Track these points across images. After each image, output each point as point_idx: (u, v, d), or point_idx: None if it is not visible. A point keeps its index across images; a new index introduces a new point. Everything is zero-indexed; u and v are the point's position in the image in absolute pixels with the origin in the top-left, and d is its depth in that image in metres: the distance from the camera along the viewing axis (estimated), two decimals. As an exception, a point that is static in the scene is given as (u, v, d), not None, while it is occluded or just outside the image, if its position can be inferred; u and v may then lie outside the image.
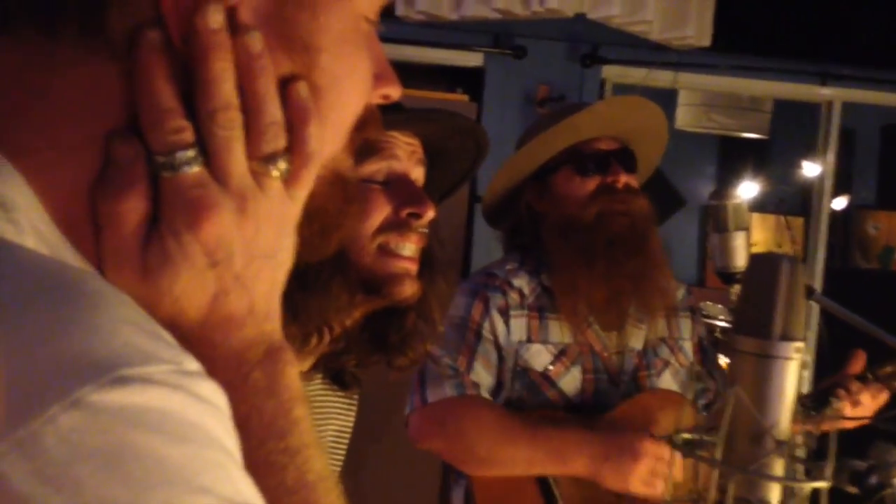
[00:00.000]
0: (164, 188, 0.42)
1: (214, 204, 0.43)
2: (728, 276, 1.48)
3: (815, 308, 3.31)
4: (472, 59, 2.93)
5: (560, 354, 1.53)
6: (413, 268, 0.95)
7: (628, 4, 2.41)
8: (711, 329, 3.25)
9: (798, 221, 4.43)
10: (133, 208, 0.42)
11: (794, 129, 4.03)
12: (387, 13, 2.31)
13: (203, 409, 0.35)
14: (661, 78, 2.94)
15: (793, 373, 0.87)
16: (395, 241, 0.94)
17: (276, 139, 0.45)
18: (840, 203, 4.11)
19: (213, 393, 0.37)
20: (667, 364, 1.62)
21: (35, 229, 0.39)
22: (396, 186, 0.95)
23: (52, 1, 0.41)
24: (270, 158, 0.44)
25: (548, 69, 2.91)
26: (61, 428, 0.31)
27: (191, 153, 0.42)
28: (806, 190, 3.64)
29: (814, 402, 1.39)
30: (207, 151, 0.43)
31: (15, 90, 0.42)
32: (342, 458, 1.09)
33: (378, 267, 0.93)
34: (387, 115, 0.90)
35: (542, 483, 1.49)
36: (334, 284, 0.89)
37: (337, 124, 0.48)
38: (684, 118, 3.91)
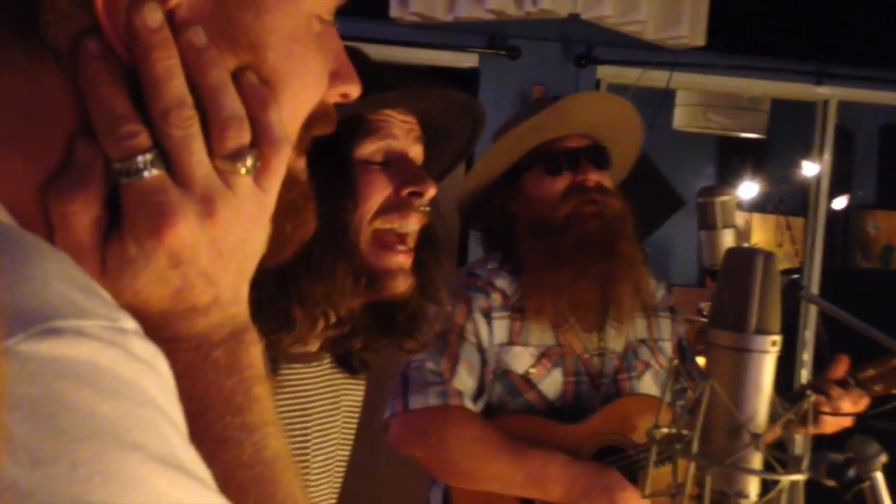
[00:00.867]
0: (124, 194, 0.42)
1: (176, 210, 0.42)
2: (716, 274, 1.48)
3: (814, 308, 3.31)
4: (467, 59, 2.93)
5: (541, 356, 1.52)
6: (407, 262, 0.94)
7: (621, 4, 2.41)
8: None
9: (798, 221, 4.43)
10: (84, 209, 0.41)
11: (792, 129, 4.03)
12: (380, 15, 2.31)
13: (138, 368, 0.34)
14: (657, 78, 2.93)
15: (769, 366, 0.87)
16: (396, 222, 0.93)
17: (240, 134, 0.44)
18: (840, 203, 4.11)
19: (151, 354, 0.36)
20: (647, 366, 1.61)
21: None
22: (396, 166, 0.95)
23: None
24: (236, 155, 0.44)
25: (542, 70, 2.91)
26: None
27: (148, 157, 0.41)
28: (806, 190, 3.63)
29: (790, 400, 1.38)
30: (167, 155, 0.42)
31: None
32: (353, 433, 1.09)
33: (373, 259, 0.92)
34: (380, 94, 0.91)
35: (526, 501, 1.47)
36: (339, 269, 0.89)
37: (286, 122, 0.47)
38: (682, 118, 3.91)
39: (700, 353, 1.84)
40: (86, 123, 0.42)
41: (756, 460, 0.88)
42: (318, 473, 1.01)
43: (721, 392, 0.84)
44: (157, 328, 0.43)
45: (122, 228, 0.42)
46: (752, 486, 0.89)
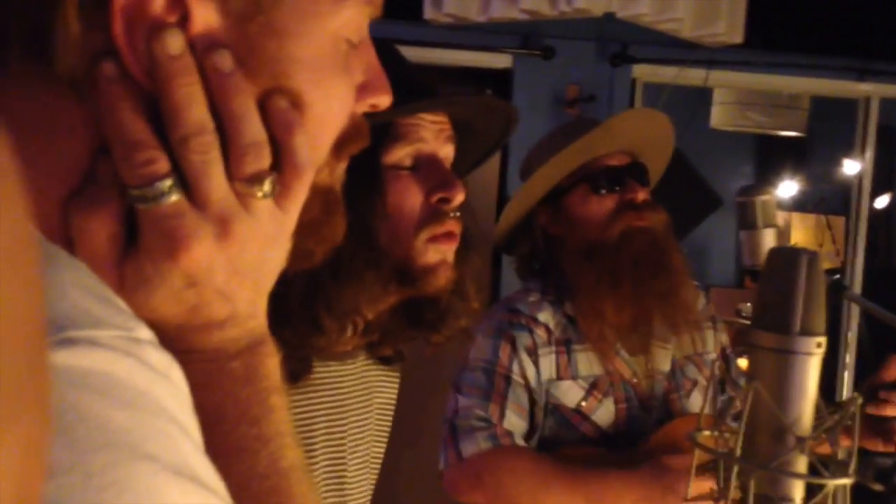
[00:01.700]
0: (140, 217, 0.42)
1: (193, 234, 0.42)
2: (756, 274, 1.46)
3: (856, 309, 3.24)
4: (501, 60, 2.93)
5: (591, 388, 1.50)
6: (451, 249, 0.94)
7: (658, 2, 2.39)
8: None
9: (839, 221, 4.34)
10: (103, 226, 0.42)
11: (833, 127, 3.95)
12: (414, 16, 2.32)
13: (152, 378, 0.34)
14: (693, 76, 2.90)
15: (814, 368, 0.85)
16: (437, 230, 0.94)
17: (259, 159, 0.44)
18: (882, 201, 4.02)
19: (166, 365, 0.36)
20: (695, 383, 1.59)
21: None
22: (425, 170, 0.95)
23: None
24: (254, 179, 0.43)
25: (577, 69, 2.89)
26: None
27: (167, 183, 0.41)
28: (846, 188, 3.56)
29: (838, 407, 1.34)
30: (185, 178, 0.42)
31: None
32: (387, 431, 1.10)
33: (422, 258, 0.93)
34: (412, 103, 0.91)
35: None
36: (367, 276, 0.89)
37: (312, 147, 0.47)
38: (719, 117, 3.86)
39: (738, 356, 1.81)
40: (105, 143, 0.42)
41: (801, 464, 0.86)
42: (355, 471, 1.01)
43: (765, 395, 0.83)
44: (174, 341, 0.43)
45: (139, 247, 0.42)
46: (797, 490, 0.88)
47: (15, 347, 0.22)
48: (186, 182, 0.42)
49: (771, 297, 0.86)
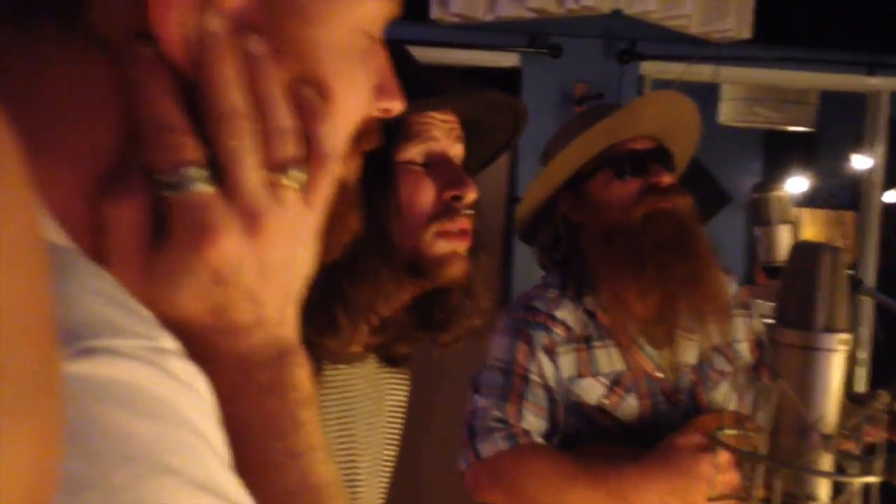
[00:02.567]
0: (169, 206, 0.41)
1: (221, 227, 0.41)
2: (773, 270, 1.45)
3: (870, 304, 3.23)
4: (508, 59, 2.92)
5: (613, 385, 1.47)
6: (463, 245, 0.95)
7: (665, -1, 2.38)
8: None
9: (849, 216, 4.33)
10: (132, 215, 0.40)
11: (842, 121, 3.93)
12: (421, 16, 2.31)
13: (176, 388, 0.33)
14: (702, 72, 2.89)
15: (838, 365, 0.84)
16: (449, 226, 0.94)
17: (286, 145, 0.43)
18: (892, 196, 4.00)
19: (192, 375, 0.35)
20: (723, 375, 1.54)
21: None
22: (437, 167, 0.95)
23: None
24: (285, 166, 0.42)
25: (585, 67, 2.88)
26: None
27: (197, 170, 0.40)
28: (856, 183, 3.54)
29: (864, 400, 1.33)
30: (217, 165, 0.41)
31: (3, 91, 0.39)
32: (399, 433, 1.10)
33: (431, 250, 0.93)
34: (423, 100, 0.91)
35: None
36: (382, 274, 0.90)
37: (336, 137, 0.46)
38: (727, 113, 3.85)
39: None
40: (134, 125, 0.41)
41: (826, 462, 0.86)
42: (366, 474, 1.01)
43: (790, 392, 0.82)
44: (199, 347, 0.42)
45: (167, 236, 0.41)
46: (823, 488, 0.87)
47: (26, 342, 0.22)
48: (217, 171, 0.41)
49: (794, 293, 0.86)
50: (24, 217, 0.22)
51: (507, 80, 2.93)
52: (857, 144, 3.47)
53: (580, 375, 1.46)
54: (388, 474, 1.07)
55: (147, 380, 0.32)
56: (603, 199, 1.48)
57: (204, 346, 0.43)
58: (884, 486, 0.85)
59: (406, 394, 1.10)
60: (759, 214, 1.46)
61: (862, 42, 2.99)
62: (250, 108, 0.42)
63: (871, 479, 0.84)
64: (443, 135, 0.96)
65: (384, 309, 0.93)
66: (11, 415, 0.21)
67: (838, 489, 0.86)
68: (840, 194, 4.32)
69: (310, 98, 0.44)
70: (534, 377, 1.45)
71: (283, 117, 0.43)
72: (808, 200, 4.35)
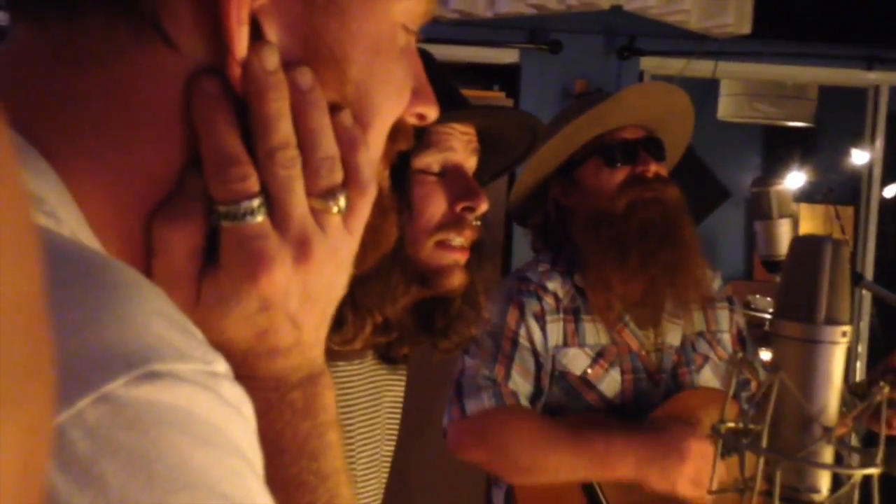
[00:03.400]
0: (224, 235, 0.42)
1: (274, 256, 0.42)
2: (773, 265, 1.46)
3: (868, 298, 3.23)
4: (508, 55, 2.92)
5: (598, 357, 1.51)
6: (463, 258, 0.96)
7: (665, -6, 2.38)
8: (760, 323, 3.19)
9: (848, 211, 4.33)
10: (186, 240, 0.41)
11: (841, 116, 3.93)
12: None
13: (228, 414, 0.34)
14: (701, 68, 2.89)
15: (839, 357, 0.85)
16: (452, 237, 0.96)
17: (332, 173, 0.43)
18: (891, 191, 4.01)
19: (240, 399, 0.36)
20: (706, 359, 1.58)
21: (71, 231, 0.38)
22: (451, 178, 0.97)
23: None
24: (329, 194, 0.43)
25: (584, 63, 2.88)
26: (88, 422, 0.30)
27: (255, 202, 0.41)
28: (855, 178, 3.55)
29: (855, 392, 1.33)
30: (268, 194, 0.42)
31: (39, 87, 0.40)
32: (396, 429, 1.11)
33: (431, 259, 0.94)
34: (448, 112, 0.93)
35: (588, 488, 1.46)
36: (394, 276, 0.91)
37: (371, 141, 0.47)
38: (726, 109, 3.84)
39: (759, 346, 1.79)
40: (196, 154, 0.41)
41: (827, 454, 0.86)
42: (363, 471, 1.02)
43: (791, 384, 0.82)
44: (237, 366, 0.43)
45: (219, 265, 0.42)
46: (823, 480, 0.87)
47: (15, 330, 0.22)
48: (269, 202, 0.42)
49: (795, 286, 0.86)
50: (11, 205, 0.22)
51: (506, 76, 2.93)
52: (857, 139, 3.47)
53: (566, 345, 1.50)
54: (385, 472, 1.07)
55: (204, 406, 0.33)
56: (592, 186, 1.53)
57: (243, 365, 0.43)
58: (884, 478, 0.85)
59: (402, 390, 1.12)
60: (759, 209, 1.47)
61: (861, 37, 2.99)
62: (298, 138, 0.43)
63: (872, 471, 0.84)
64: (461, 146, 0.97)
65: (390, 310, 0.94)
66: (1, 405, 0.21)
67: (838, 482, 0.87)
68: (839, 189, 4.32)
69: (347, 127, 0.44)
70: (523, 341, 1.48)
71: (330, 146, 0.43)
72: (807, 196, 4.36)
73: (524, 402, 1.46)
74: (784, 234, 1.44)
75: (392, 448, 1.09)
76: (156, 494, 0.30)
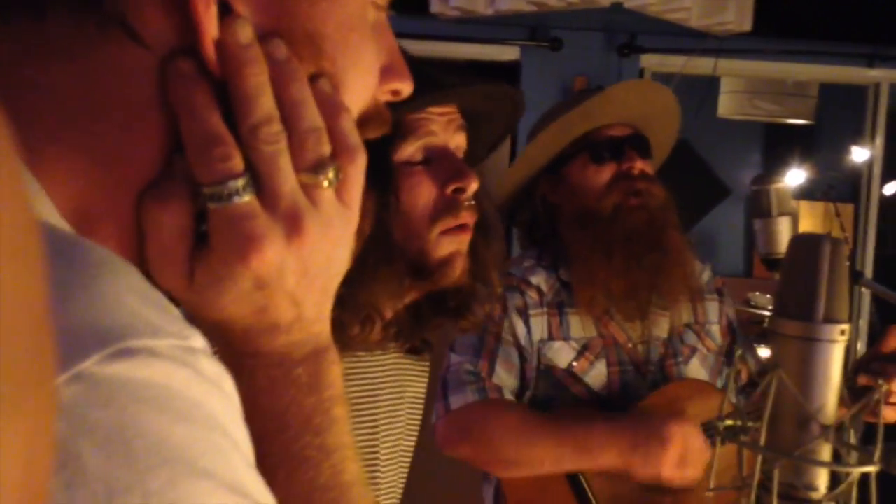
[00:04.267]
0: (212, 216, 0.41)
1: (263, 235, 0.41)
2: (772, 262, 1.46)
3: (867, 295, 3.23)
4: (508, 52, 2.92)
5: (583, 350, 1.51)
6: (466, 237, 0.94)
7: (665, -9, 2.38)
8: (760, 320, 3.19)
9: (847, 208, 4.33)
10: (175, 220, 0.41)
11: (841, 114, 3.93)
12: (421, 10, 2.32)
13: (207, 389, 0.34)
14: (702, 65, 2.89)
15: (838, 356, 0.85)
16: (450, 222, 0.94)
17: (319, 145, 0.43)
18: (891, 188, 4.01)
19: (219, 374, 0.35)
20: (694, 350, 1.59)
21: (38, 213, 0.38)
22: (437, 162, 0.94)
23: None
24: (318, 167, 0.42)
25: (585, 60, 2.88)
26: (63, 402, 0.29)
27: (241, 182, 0.40)
28: (855, 176, 3.55)
29: (847, 379, 1.31)
30: (254, 173, 0.41)
31: (6, 81, 0.39)
32: (419, 423, 1.10)
33: (436, 250, 0.93)
34: (418, 98, 0.91)
35: (573, 479, 1.47)
36: (381, 274, 0.89)
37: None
38: (727, 106, 3.84)
39: (757, 344, 1.80)
40: (178, 136, 0.40)
41: (825, 452, 0.86)
42: (386, 464, 1.01)
43: (789, 382, 0.83)
44: (239, 343, 0.43)
45: (210, 245, 0.41)
46: (822, 478, 0.87)
47: (17, 335, 0.22)
48: (256, 179, 0.41)
49: (794, 284, 0.86)
50: (16, 208, 0.22)
51: (507, 73, 2.93)
52: (857, 137, 3.47)
53: (551, 338, 1.51)
54: (406, 465, 1.07)
55: (182, 381, 0.32)
56: (579, 183, 1.54)
57: (245, 341, 0.43)
58: (882, 476, 0.86)
59: (425, 383, 1.11)
60: (759, 206, 1.47)
61: (862, 34, 2.99)
62: (281, 112, 0.42)
63: (870, 468, 0.84)
64: (441, 128, 0.95)
65: (388, 309, 0.93)
66: (3, 411, 0.21)
67: (836, 480, 0.87)
68: (839, 187, 4.32)
69: (328, 94, 0.44)
70: (506, 336, 1.49)
71: (314, 117, 0.42)
72: (806, 193, 4.36)
73: (509, 396, 1.47)
74: (784, 232, 1.44)
75: (412, 444, 1.08)
76: (135, 472, 0.29)
